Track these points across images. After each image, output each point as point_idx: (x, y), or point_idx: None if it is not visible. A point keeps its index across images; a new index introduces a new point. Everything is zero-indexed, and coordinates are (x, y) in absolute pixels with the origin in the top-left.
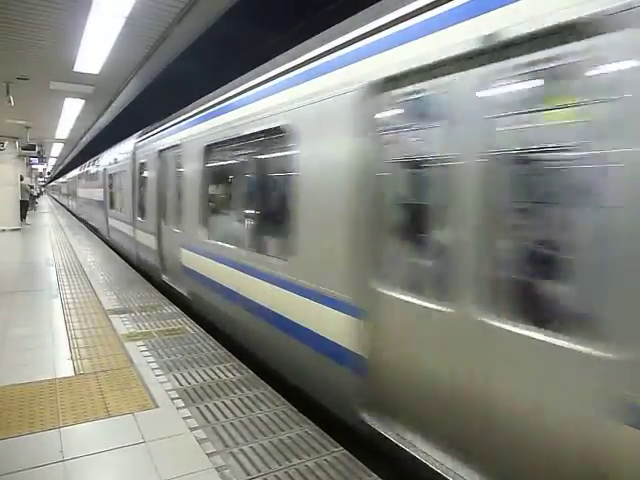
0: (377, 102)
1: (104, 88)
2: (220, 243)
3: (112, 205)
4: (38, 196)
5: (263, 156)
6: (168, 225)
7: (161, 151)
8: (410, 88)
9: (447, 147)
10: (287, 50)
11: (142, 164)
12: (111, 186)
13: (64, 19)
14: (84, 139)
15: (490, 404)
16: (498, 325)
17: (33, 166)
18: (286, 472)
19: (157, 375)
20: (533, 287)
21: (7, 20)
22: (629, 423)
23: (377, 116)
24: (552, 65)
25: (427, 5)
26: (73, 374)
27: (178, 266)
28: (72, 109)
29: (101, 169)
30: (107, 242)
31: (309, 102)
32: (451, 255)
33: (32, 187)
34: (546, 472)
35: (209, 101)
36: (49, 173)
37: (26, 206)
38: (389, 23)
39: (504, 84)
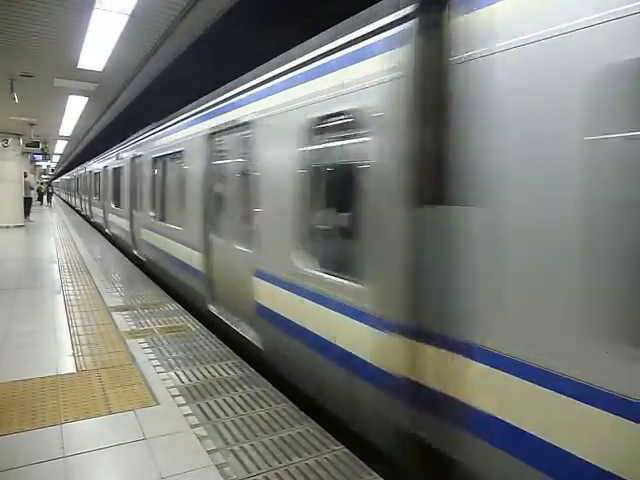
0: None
1: (107, 85)
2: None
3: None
4: (52, 193)
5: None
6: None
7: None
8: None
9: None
10: (288, 49)
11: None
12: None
13: (67, 16)
14: (88, 136)
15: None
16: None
17: (37, 163)
18: (286, 470)
19: (158, 372)
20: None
21: (10, 17)
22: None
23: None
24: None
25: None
26: (75, 371)
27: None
28: (76, 106)
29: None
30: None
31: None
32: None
33: (49, 185)
34: None
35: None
36: (52, 170)
37: (30, 203)
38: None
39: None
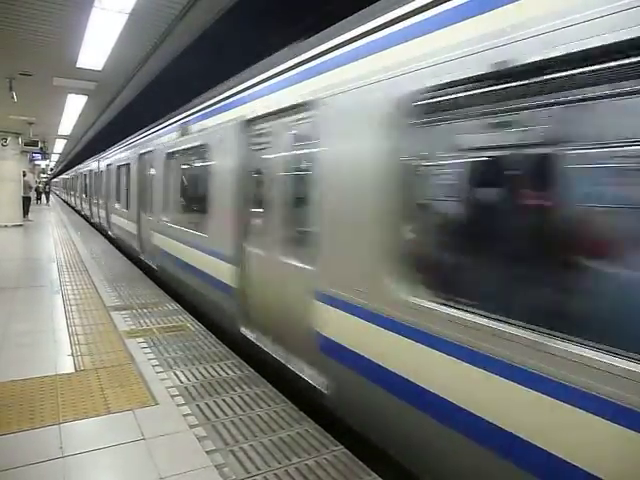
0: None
1: (107, 84)
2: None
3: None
4: (49, 192)
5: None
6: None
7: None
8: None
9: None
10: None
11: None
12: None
13: (67, 15)
14: (87, 135)
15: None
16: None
17: (36, 162)
18: (286, 470)
19: (157, 372)
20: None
21: (10, 16)
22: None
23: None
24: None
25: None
26: (73, 370)
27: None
28: (75, 105)
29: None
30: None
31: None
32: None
33: (46, 184)
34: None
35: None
36: (52, 169)
37: (29, 202)
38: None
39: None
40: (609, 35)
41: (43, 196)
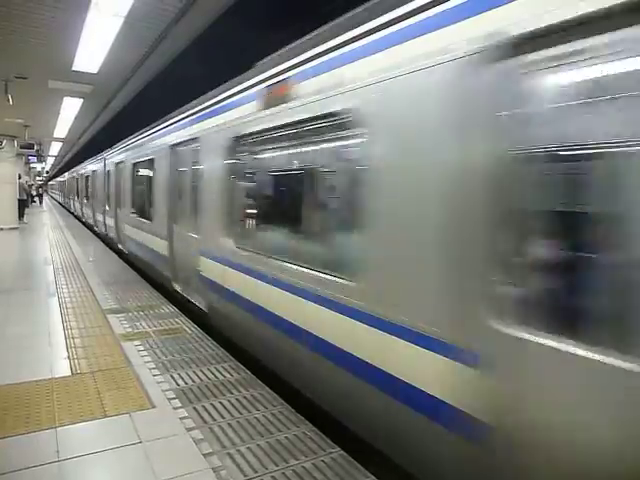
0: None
1: (102, 87)
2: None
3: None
4: (42, 195)
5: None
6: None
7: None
8: None
9: None
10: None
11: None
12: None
13: (63, 18)
14: (83, 138)
15: None
16: None
17: (32, 165)
18: (283, 473)
19: (154, 375)
20: None
21: (6, 18)
22: None
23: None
24: None
25: None
26: (70, 374)
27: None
28: (70, 108)
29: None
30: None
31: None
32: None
33: (31, 185)
34: None
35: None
36: (47, 172)
37: (24, 205)
38: None
39: None
40: None
41: (37, 198)
